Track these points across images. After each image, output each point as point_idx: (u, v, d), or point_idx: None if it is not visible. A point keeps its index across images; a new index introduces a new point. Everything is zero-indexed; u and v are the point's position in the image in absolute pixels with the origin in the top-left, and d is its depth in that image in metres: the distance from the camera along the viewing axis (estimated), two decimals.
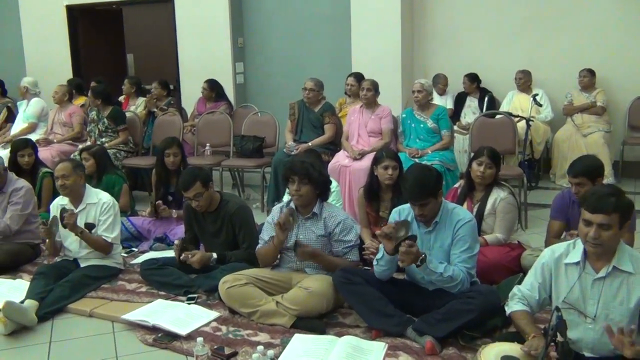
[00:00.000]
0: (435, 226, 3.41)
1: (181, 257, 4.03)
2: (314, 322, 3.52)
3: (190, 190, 4.10)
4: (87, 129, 6.89)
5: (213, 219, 4.25)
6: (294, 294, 3.57)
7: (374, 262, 3.47)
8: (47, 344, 3.53)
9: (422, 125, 5.65)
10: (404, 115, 5.79)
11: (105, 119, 6.66)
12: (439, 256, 3.35)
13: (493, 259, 3.89)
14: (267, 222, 3.95)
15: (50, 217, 4.36)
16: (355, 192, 5.15)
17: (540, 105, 6.54)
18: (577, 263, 2.73)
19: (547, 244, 3.81)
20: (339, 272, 3.53)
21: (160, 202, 5.11)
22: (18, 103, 7.55)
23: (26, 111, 7.20)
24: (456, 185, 4.39)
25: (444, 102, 7.16)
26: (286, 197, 4.22)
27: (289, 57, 8.26)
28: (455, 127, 6.61)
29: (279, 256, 3.90)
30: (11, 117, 7.52)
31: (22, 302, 3.76)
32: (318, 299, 3.52)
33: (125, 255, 4.81)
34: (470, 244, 3.33)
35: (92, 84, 7.53)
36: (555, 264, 2.80)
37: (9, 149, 5.66)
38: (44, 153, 6.39)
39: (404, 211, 3.53)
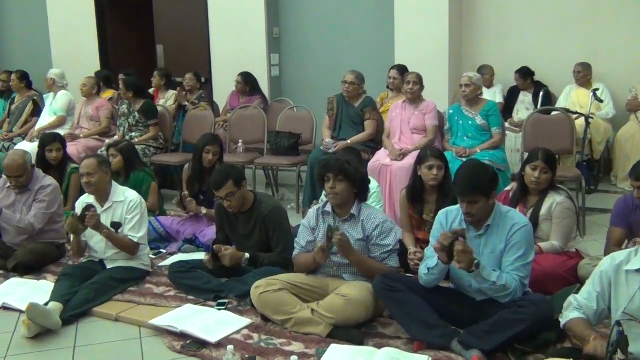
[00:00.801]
0: (487, 230, 3.37)
1: (214, 247, 4.05)
2: (351, 332, 3.51)
3: (222, 190, 4.13)
4: (118, 123, 7.01)
5: (245, 221, 4.28)
6: (331, 302, 3.56)
7: (423, 270, 3.44)
8: (71, 348, 3.60)
9: (470, 122, 5.60)
10: (450, 111, 5.74)
11: (136, 113, 6.77)
12: (490, 263, 3.31)
13: (548, 268, 3.83)
14: (303, 225, 3.95)
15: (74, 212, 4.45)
16: (397, 194, 5.13)
17: (601, 101, 6.41)
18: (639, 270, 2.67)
19: (607, 252, 3.73)
20: (380, 278, 3.52)
21: (186, 193, 5.15)
22: (44, 96, 7.71)
23: (53, 104, 7.33)
24: (508, 188, 4.34)
25: (492, 95, 7.09)
26: (324, 198, 4.23)
27: (327, 48, 8.27)
28: (507, 124, 6.53)
29: None
30: (37, 110, 7.67)
31: (46, 304, 3.84)
32: (356, 307, 3.51)
33: (153, 257, 4.88)
34: (525, 250, 3.28)
35: (121, 76, 7.65)
36: (615, 271, 2.75)
37: (37, 144, 5.77)
38: (69, 148, 6.48)
39: (451, 213, 3.50)
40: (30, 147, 6.31)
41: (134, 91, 6.78)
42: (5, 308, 4.09)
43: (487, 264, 3.28)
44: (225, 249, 4.06)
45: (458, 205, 3.45)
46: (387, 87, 6.73)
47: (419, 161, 4.32)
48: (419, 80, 5.70)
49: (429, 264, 3.41)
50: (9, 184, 4.83)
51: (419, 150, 4.77)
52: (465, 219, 3.38)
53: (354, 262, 3.70)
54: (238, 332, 3.61)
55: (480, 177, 3.30)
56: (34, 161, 5.13)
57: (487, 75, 7.16)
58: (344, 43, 8.15)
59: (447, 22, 7.14)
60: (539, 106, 6.58)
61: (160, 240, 5.23)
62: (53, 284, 4.18)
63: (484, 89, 6.90)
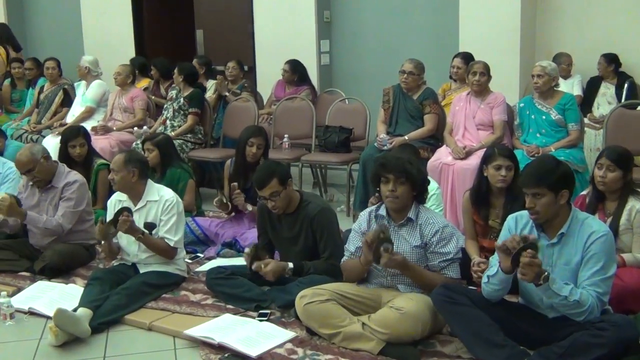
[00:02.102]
0: (561, 238, 3.31)
1: (253, 267, 4.10)
2: (406, 349, 3.49)
3: (265, 189, 4.16)
4: (163, 107, 7.15)
5: (290, 223, 4.30)
6: (384, 315, 3.55)
7: (484, 279, 3.41)
8: (100, 358, 3.68)
9: (544, 117, 5.52)
10: (521, 105, 5.67)
11: (182, 99, 6.90)
12: (564, 275, 3.26)
13: (631, 283, 3.73)
14: (354, 229, 3.95)
15: (107, 216, 4.54)
16: (459, 196, 5.09)
17: None
18: None
19: None
20: (440, 289, 3.49)
21: (235, 184, 5.19)
22: (75, 84, 7.87)
23: (85, 94, 7.48)
24: (584, 192, 4.26)
25: (570, 87, 6.98)
26: (372, 199, 4.22)
27: (384, 34, 8.25)
28: (586, 120, 6.42)
29: None
30: (67, 100, 7.84)
31: (75, 310, 3.93)
32: (412, 322, 3.49)
33: (190, 261, 4.95)
34: (604, 263, 3.22)
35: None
36: None
37: (59, 139, 5.88)
38: (101, 142, 6.65)
39: (522, 219, 3.46)
40: (54, 142, 6.45)
41: (185, 76, 6.91)
42: (32, 313, 4.20)
43: (561, 277, 3.22)
44: (265, 265, 4.08)
45: None
46: (450, 77, 6.68)
47: (486, 160, 4.27)
48: (486, 70, 5.64)
49: (489, 271, 3.38)
50: (32, 182, 4.94)
51: (485, 149, 4.72)
52: (530, 216, 3.33)
53: (410, 275, 3.70)
54: (281, 346, 3.62)
55: (549, 169, 3.28)
56: (55, 157, 5.25)
57: (563, 64, 7.04)
58: (402, 28, 8.11)
59: (519, 3, 7.04)
60: (622, 100, 6.45)
61: (197, 243, 5.30)
62: (82, 289, 4.27)
63: (561, 80, 6.78)
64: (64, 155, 5.59)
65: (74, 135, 5.67)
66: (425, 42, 7.86)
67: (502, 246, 3.18)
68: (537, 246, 3.13)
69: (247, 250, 4.21)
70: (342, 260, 3.97)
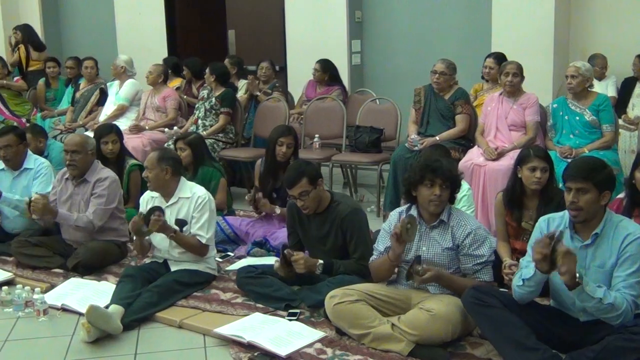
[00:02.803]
0: (595, 240, 3.28)
1: (285, 251, 4.09)
2: (436, 351, 3.48)
3: (295, 188, 4.16)
4: (195, 107, 7.19)
5: (320, 223, 4.30)
6: (414, 316, 3.54)
7: (517, 282, 3.38)
8: (132, 355, 3.72)
9: (577, 118, 5.46)
10: (555, 106, 5.61)
11: (213, 98, 6.94)
12: (598, 278, 3.22)
13: None
14: (384, 229, 3.94)
15: (140, 210, 4.58)
16: (491, 197, 5.06)
17: None
18: None
19: None
20: (471, 291, 3.46)
21: (261, 194, 5.22)
22: (108, 84, 7.95)
23: (118, 93, 7.56)
24: (620, 196, 4.20)
25: (604, 88, 6.89)
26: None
27: (415, 34, 8.21)
28: (620, 121, 6.34)
29: (396, 270, 3.88)
30: (103, 99, 7.92)
31: (107, 307, 3.98)
32: (442, 324, 3.47)
33: (220, 260, 4.98)
34: None
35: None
36: None
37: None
38: (134, 141, 6.72)
39: (554, 220, 3.42)
40: None
41: (217, 76, 6.95)
42: (65, 309, 4.26)
43: (594, 280, 3.18)
44: (297, 254, 4.09)
45: (562, 212, 3.38)
46: (482, 77, 6.63)
47: (520, 161, 4.24)
48: (519, 71, 5.59)
49: (524, 274, 3.34)
50: (67, 176, 5.02)
51: (517, 150, 4.68)
52: (570, 213, 3.29)
53: (445, 287, 3.68)
54: (310, 345, 3.63)
55: (597, 166, 3.28)
56: None
57: (597, 66, 6.95)
58: (433, 28, 8.07)
59: (552, 3, 6.97)
60: None
61: (227, 242, 5.33)
62: (114, 286, 4.32)
63: (595, 81, 6.71)
64: (98, 153, 5.63)
65: (106, 131, 5.72)
66: (457, 42, 7.82)
67: (538, 255, 3.11)
68: (562, 233, 3.12)
69: (276, 265, 4.19)
70: (371, 259, 3.96)
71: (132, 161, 5.76)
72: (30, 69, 9.29)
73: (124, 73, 7.60)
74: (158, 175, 4.42)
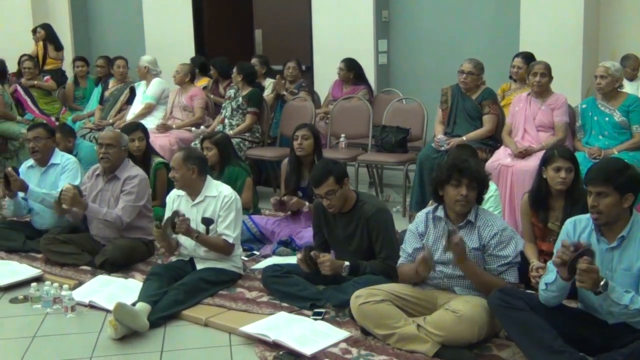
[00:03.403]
0: (621, 242, 3.25)
1: (312, 253, 4.10)
2: (462, 352, 3.47)
3: (321, 187, 4.17)
4: (222, 106, 7.23)
5: (346, 222, 4.30)
6: (440, 317, 3.53)
7: (541, 286, 3.36)
8: (158, 353, 3.75)
9: (607, 119, 5.40)
10: (584, 106, 5.56)
11: (240, 98, 6.96)
12: (625, 281, 3.19)
13: None
14: (410, 230, 3.94)
15: (166, 211, 4.62)
16: (517, 198, 5.02)
17: None
18: None
19: None
20: (497, 293, 3.45)
21: (285, 198, 5.23)
22: (136, 84, 8.02)
23: (146, 92, 7.63)
24: None
25: (635, 88, 6.79)
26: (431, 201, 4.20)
27: (442, 34, 8.18)
28: None
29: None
30: (132, 98, 7.99)
31: (134, 304, 4.02)
32: (468, 325, 3.46)
33: (246, 259, 5.00)
34: None
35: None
36: None
37: None
38: (161, 140, 6.78)
39: (580, 223, 3.40)
40: None
41: (244, 76, 6.98)
42: (92, 306, 4.31)
43: (620, 283, 3.16)
44: (323, 256, 4.10)
45: (588, 214, 3.34)
46: (510, 77, 6.58)
47: (545, 162, 4.21)
48: (547, 71, 5.55)
49: (547, 278, 3.33)
50: (97, 172, 5.10)
51: (545, 150, 4.65)
52: (591, 216, 3.27)
53: (467, 273, 3.65)
54: (335, 345, 3.64)
55: (618, 169, 3.24)
56: None
57: (629, 67, 6.85)
58: (461, 27, 8.03)
59: (582, 2, 6.89)
60: None
61: (253, 241, 5.35)
62: (141, 284, 4.37)
63: (625, 82, 6.63)
64: None
65: (132, 129, 5.79)
66: (485, 41, 7.77)
67: (557, 259, 3.13)
68: (593, 252, 3.08)
69: (299, 256, 4.21)
70: (398, 261, 3.95)
71: (158, 159, 5.81)
72: (46, 67, 9.37)
73: (148, 73, 7.67)
74: (185, 175, 4.45)
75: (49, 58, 9.46)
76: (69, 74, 9.47)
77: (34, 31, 9.67)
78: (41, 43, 9.46)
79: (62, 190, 4.81)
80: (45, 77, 8.94)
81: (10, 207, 5.44)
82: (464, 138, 5.75)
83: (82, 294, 4.42)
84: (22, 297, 4.50)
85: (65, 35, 10.88)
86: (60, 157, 5.52)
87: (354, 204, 4.29)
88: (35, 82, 8.65)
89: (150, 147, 5.92)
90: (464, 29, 8.01)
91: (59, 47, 9.67)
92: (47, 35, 9.54)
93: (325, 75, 8.26)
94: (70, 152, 5.95)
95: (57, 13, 11.01)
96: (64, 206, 4.84)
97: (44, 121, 7.48)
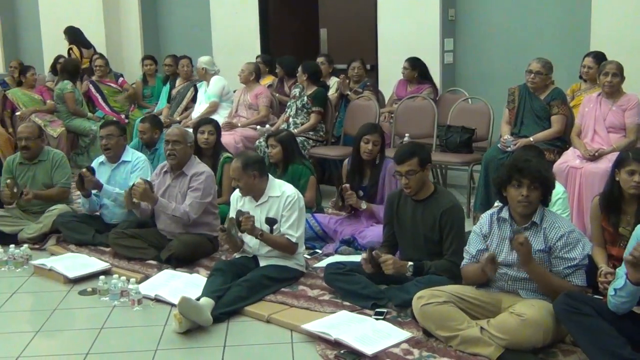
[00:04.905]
0: None
1: (373, 252, 4.09)
2: (526, 357, 3.42)
3: (404, 165, 4.19)
4: (287, 105, 7.29)
5: (419, 210, 4.29)
6: (504, 320, 3.48)
7: (610, 292, 3.28)
8: (220, 347, 3.80)
9: None
10: None
11: (305, 97, 7.01)
12: None
13: None
14: (474, 232, 3.90)
15: (230, 210, 4.68)
16: (587, 201, 4.93)
17: None
18: None
19: None
20: (563, 297, 3.39)
21: (347, 185, 5.20)
22: (197, 85, 8.14)
23: (207, 91, 7.75)
24: None
25: None
26: (497, 203, 4.14)
27: (510, 32, 8.05)
28: None
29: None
30: (197, 96, 8.13)
31: (198, 299, 4.08)
32: (533, 329, 3.41)
33: (308, 257, 5.02)
34: None
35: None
36: None
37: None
38: (226, 138, 6.85)
39: None
40: None
41: (309, 75, 7.01)
42: (158, 300, 4.40)
43: None
44: (385, 256, 4.09)
45: None
46: (580, 77, 6.45)
47: (618, 164, 4.08)
48: (619, 71, 5.41)
49: (616, 284, 3.25)
50: (165, 169, 5.21)
51: (615, 153, 4.53)
52: None
53: (533, 275, 3.59)
54: (397, 345, 3.63)
55: None
56: None
57: None
58: (529, 25, 7.89)
59: None
60: None
61: (316, 239, 5.37)
62: (205, 279, 4.43)
63: None
64: (196, 144, 5.83)
65: (205, 122, 5.98)
66: (554, 40, 7.61)
67: (630, 257, 3.04)
68: None
69: (363, 255, 4.21)
70: (462, 262, 3.91)
71: (226, 154, 5.90)
72: (83, 66, 9.58)
73: (207, 73, 7.81)
74: (247, 183, 4.50)
75: (83, 58, 9.67)
76: (132, 71, 9.69)
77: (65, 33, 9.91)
78: (75, 47, 9.67)
79: (133, 185, 4.93)
80: (121, 79, 9.15)
81: (85, 204, 5.61)
82: (531, 139, 5.65)
83: (148, 287, 4.52)
84: (90, 289, 4.63)
85: (135, 34, 11.17)
86: (131, 155, 5.67)
87: (430, 193, 4.29)
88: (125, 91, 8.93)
89: (221, 144, 6.03)
90: (533, 27, 7.87)
91: (87, 46, 9.87)
92: (73, 39, 9.76)
93: (390, 74, 8.22)
94: (154, 144, 6.23)
95: (127, 13, 11.27)
96: (135, 200, 4.96)
97: (116, 119, 7.68)
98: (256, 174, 4.50)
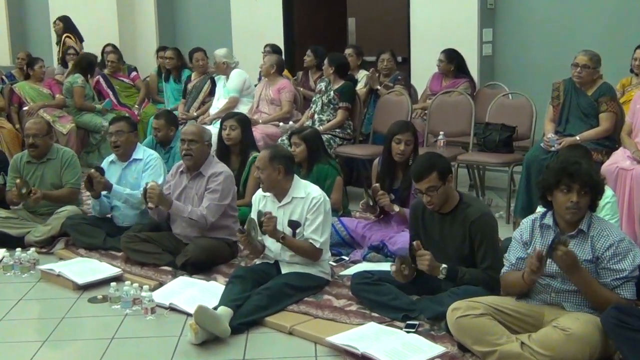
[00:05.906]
0: None
1: (414, 243, 4.08)
2: None
3: (423, 182, 4.14)
4: (312, 100, 7.30)
5: (445, 224, 4.26)
6: (547, 335, 3.45)
7: None
8: None
9: None
10: None
11: (332, 92, 7.00)
12: None
13: None
14: (514, 238, 3.87)
15: (251, 212, 4.69)
16: (638, 205, 4.86)
17: None
18: None
19: None
20: (612, 311, 3.36)
21: (377, 185, 5.19)
22: (216, 78, 8.17)
23: (226, 85, 7.77)
24: None
25: None
26: (539, 207, 4.12)
27: (554, 22, 8.02)
28: None
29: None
30: (214, 90, 8.16)
31: (215, 308, 4.09)
32: (579, 345, 3.38)
33: (334, 264, 5.02)
34: None
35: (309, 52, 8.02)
36: None
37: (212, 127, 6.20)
38: None
39: None
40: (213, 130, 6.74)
41: (336, 67, 7.01)
42: (172, 309, 4.41)
43: None
44: (424, 251, 4.07)
45: None
46: (631, 71, 6.41)
47: None
48: None
49: None
50: (181, 169, 5.24)
51: None
52: None
53: (578, 284, 3.56)
54: None
55: None
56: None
57: None
58: (575, 15, 7.86)
59: None
60: None
61: (342, 245, 5.36)
62: (223, 287, 4.45)
63: None
64: (220, 141, 5.89)
65: (228, 117, 6.06)
66: (602, 31, 7.57)
67: None
68: None
69: (393, 267, 4.18)
70: (501, 271, 3.89)
71: (256, 153, 5.90)
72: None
73: (227, 67, 7.81)
74: (270, 176, 4.50)
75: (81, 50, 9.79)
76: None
77: (55, 23, 10.03)
78: (71, 35, 9.76)
79: (146, 189, 4.95)
80: (133, 74, 9.23)
81: (96, 207, 5.66)
82: (578, 138, 5.62)
83: (162, 295, 4.53)
84: (101, 296, 4.66)
85: (150, 25, 11.24)
86: (142, 153, 5.70)
87: (456, 205, 4.25)
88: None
89: (249, 140, 6.06)
90: (579, 17, 7.83)
91: (81, 39, 9.99)
92: (68, 28, 9.84)
93: (424, 67, 8.22)
94: (169, 141, 6.30)
95: (142, 3, 11.35)
96: (150, 205, 4.98)
97: (127, 114, 7.74)
98: (281, 169, 4.51)
